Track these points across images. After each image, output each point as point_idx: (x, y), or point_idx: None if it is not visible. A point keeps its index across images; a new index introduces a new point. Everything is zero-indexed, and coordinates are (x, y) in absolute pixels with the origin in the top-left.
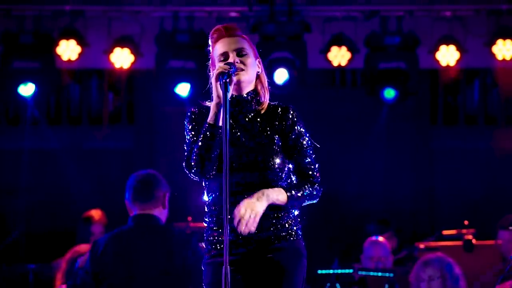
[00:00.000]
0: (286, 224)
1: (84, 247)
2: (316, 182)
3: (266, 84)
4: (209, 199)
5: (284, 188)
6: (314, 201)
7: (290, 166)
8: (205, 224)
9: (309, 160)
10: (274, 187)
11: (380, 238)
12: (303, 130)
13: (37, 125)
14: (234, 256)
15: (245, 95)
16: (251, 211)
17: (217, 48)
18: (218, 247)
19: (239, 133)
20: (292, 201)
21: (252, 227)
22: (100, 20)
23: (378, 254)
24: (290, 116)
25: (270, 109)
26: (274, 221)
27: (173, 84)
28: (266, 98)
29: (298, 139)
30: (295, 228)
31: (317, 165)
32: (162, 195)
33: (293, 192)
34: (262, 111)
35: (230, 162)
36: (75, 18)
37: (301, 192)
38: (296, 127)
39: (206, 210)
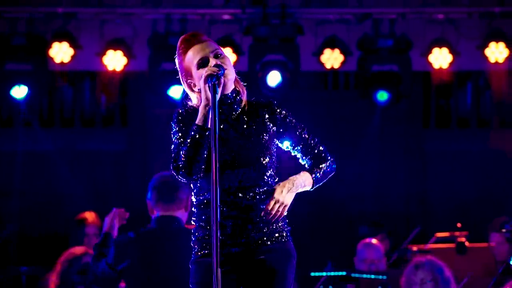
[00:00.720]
0: (278, 226)
1: (78, 249)
2: (327, 157)
3: (241, 81)
4: (199, 199)
5: (308, 171)
6: (333, 173)
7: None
8: (194, 224)
9: (311, 139)
10: (267, 183)
11: (374, 241)
12: (291, 117)
13: (30, 127)
14: (225, 256)
15: (229, 94)
16: (281, 203)
17: (191, 55)
18: (209, 247)
19: (230, 131)
20: (317, 183)
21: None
22: (92, 23)
23: (372, 256)
24: (276, 108)
25: (252, 105)
26: (269, 223)
27: (166, 87)
28: (245, 96)
29: (291, 126)
30: (286, 229)
31: (318, 139)
32: (186, 197)
33: (317, 174)
34: (246, 108)
35: (223, 161)
36: (67, 20)
37: (322, 171)
38: (285, 117)
39: (195, 210)
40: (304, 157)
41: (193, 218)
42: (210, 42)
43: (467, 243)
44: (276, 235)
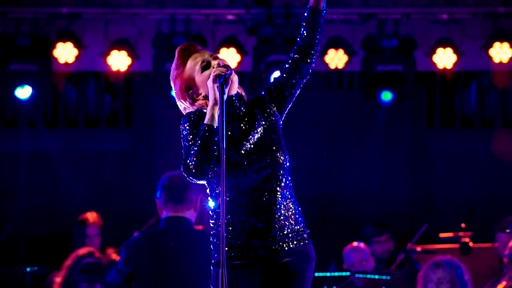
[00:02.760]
0: (301, 228)
1: (82, 251)
2: None
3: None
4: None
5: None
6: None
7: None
8: (213, 225)
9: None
10: (286, 183)
11: (355, 243)
12: (270, 87)
13: (34, 128)
14: (252, 259)
15: (234, 96)
16: None
17: (192, 63)
18: (234, 250)
19: (243, 127)
20: None
21: None
22: (97, 23)
23: (359, 258)
24: (261, 96)
25: (251, 103)
26: (292, 225)
27: (170, 87)
28: (245, 96)
29: (272, 84)
30: (306, 231)
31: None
32: (195, 197)
33: None
34: (247, 107)
35: (241, 159)
36: (72, 20)
37: None
38: (266, 95)
39: (215, 214)
40: (296, 54)
41: (211, 221)
42: (206, 50)
43: (471, 244)
44: (299, 238)
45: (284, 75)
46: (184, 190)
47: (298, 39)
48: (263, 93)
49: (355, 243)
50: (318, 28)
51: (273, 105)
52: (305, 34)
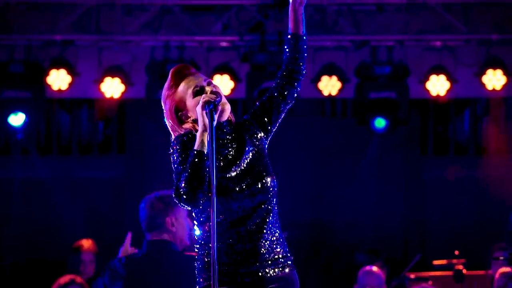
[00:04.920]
0: (286, 254)
1: (63, 279)
2: None
3: None
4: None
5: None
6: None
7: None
8: (198, 250)
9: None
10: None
11: (374, 268)
12: (255, 109)
13: (27, 155)
14: (238, 285)
15: (224, 123)
16: None
17: (185, 86)
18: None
19: (233, 152)
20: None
21: None
22: (90, 50)
23: (372, 283)
24: (247, 120)
25: (239, 128)
26: (277, 251)
27: (163, 114)
28: (233, 121)
29: (257, 108)
30: (290, 259)
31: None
32: (169, 219)
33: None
34: (236, 132)
35: (232, 184)
36: (65, 47)
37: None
38: (252, 119)
39: (202, 239)
40: (282, 74)
41: (196, 245)
42: (200, 73)
43: (464, 271)
44: (284, 264)
45: (270, 100)
46: (164, 213)
47: (283, 64)
48: (248, 116)
49: (374, 268)
50: (302, 53)
51: (260, 130)
52: (289, 59)
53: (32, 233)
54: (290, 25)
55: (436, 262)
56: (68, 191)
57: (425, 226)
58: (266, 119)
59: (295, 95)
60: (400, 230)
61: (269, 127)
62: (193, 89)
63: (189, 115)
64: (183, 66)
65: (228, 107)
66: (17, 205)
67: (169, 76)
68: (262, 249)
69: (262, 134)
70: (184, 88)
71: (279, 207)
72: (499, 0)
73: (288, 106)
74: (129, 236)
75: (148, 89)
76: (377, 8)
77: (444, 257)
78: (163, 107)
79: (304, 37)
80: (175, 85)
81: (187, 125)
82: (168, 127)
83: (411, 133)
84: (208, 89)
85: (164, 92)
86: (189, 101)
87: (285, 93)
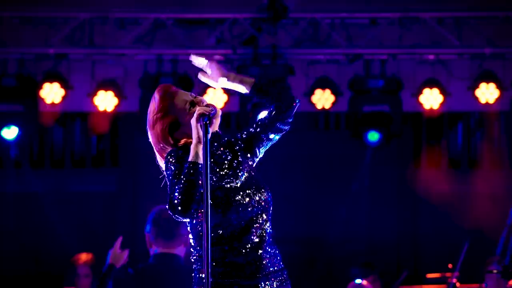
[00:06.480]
0: (282, 267)
1: None
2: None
3: None
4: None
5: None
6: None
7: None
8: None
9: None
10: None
11: (364, 282)
12: (244, 133)
13: (20, 169)
14: None
15: (215, 132)
16: (210, 65)
17: (177, 102)
18: None
19: (228, 164)
20: (259, 86)
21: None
22: (83, 63)
23: None
24: (239, 140)
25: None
26: (274, 264)
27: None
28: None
29: (245, 134)
30: (285, 271)
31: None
32: (187, 232)
33: (262, 80)
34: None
35: (229, 197)
36: (58, 61)
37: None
38: (238, 139)
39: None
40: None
41: (193, 257)
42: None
43: (458, 284)
44: (281, 277)
45: (263, 132)
46: (175, 226)
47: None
48: (239, 141)
49: (364, 282)
50: (278, 96)
51: (248, 153)
52: (275, 108)
53: (25, 247)
54: (243, 91)
55: (429, 276)
56: (61, 205)
57: (418, 239)
58: (256, 147)
59: (288, 127)
60: (393, 243)
61: (258, 154)
62: (187, 104)
63: (185, 131)
64: (166, 86)
65: (219, 121)
66: (10, 219)
67: (156, 100)
68: (263, 262)
69: (249, 156)
70: (177, 106)
71: (272, 221)
72: (492, 14)
73: (279, 137)
74: (119, 240)
75: (141, 103)
76: (370, 22)
77: (437, 271)
78: (149, 133)
79: (262, 81)
80: (164, 106)
81: (181, 142)
82: (156, 151)
83: (405, 146)
84: (198, 99)
85: (151, 116)
86: (186, 117)
87: (277, 128)
